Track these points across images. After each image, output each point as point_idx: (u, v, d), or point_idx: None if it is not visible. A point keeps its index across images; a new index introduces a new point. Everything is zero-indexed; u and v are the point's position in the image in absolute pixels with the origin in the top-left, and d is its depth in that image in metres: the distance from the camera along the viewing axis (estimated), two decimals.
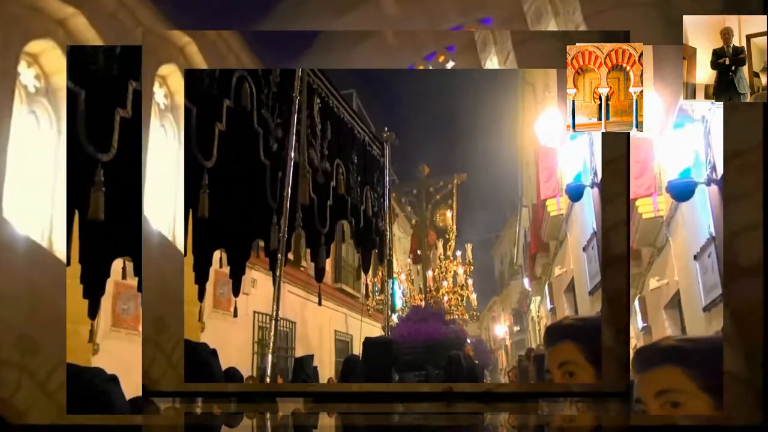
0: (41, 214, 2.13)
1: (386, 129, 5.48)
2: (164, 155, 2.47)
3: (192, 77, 2.98)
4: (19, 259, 2.05)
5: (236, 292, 3.88)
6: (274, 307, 3.27)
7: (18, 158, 1.98)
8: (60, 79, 2.06)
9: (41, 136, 2.11)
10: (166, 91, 2.34)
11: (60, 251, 2.16)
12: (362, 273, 5.50)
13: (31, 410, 1.88)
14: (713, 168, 4.53)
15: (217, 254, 3.84)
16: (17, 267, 2.05)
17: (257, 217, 3.71)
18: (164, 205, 2.58)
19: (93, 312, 2.75)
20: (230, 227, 3.62)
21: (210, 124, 3.15)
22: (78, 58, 2.15)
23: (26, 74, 2.03)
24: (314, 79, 4.21)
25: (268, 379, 3.19)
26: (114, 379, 1.73)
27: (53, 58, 2.08)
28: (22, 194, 2.07)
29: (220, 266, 4.27)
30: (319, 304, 6.31)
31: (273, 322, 3.26)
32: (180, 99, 2.45)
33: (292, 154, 3.61)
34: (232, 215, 3.58)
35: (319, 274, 4.70)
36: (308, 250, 4.23)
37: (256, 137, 3.62)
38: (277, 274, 3.36)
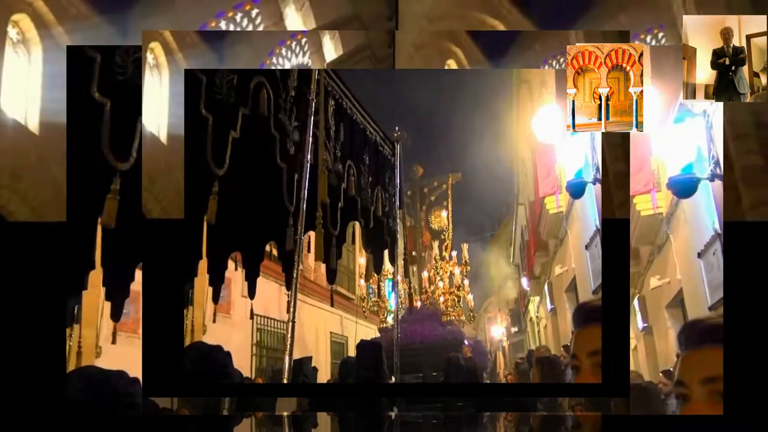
0: (21, 105, 3.44)
1: (397, 129, 5.42)
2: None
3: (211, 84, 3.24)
4: (9, 130, 3.30)
5: (252, 294, 3.89)
6: (292, 309, 3.21)
7: (8, 74, 3.28)
8: (29, 35, 3.53)
9: (19, 63, 3.49)
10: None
11: (33, 126, 3.41)
12: (373, 273, 5.46)
13: (16, 212, 3.07)
14: (717, 163, 4.44)
15: (231, 257, 3.84)
16: (9, 134, 3.28)
17: (273, 220, 3.70)
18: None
19: (116, 314, 2.91)
20: (245, 231, 3.61)
21: (225, 131, 3.28)
22: None
23: (12, 32, 3.51)
24: (329, 81, 4.19)
25: (285, 380, 3.13)
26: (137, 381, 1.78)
27: (26, 23, 3.53)
28: (10, 94, 3.33)
29: (236, 269, 4.25)
30: (332, 305, 6.32)
31: (290, 324, 3.19)
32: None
33: (308, 157, 3.61)
34: (248, 219, 3.57)
35: (331, 275, 4.63)
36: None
37: (273, 141, 3.67)
38: (294, 275, 3.30)
